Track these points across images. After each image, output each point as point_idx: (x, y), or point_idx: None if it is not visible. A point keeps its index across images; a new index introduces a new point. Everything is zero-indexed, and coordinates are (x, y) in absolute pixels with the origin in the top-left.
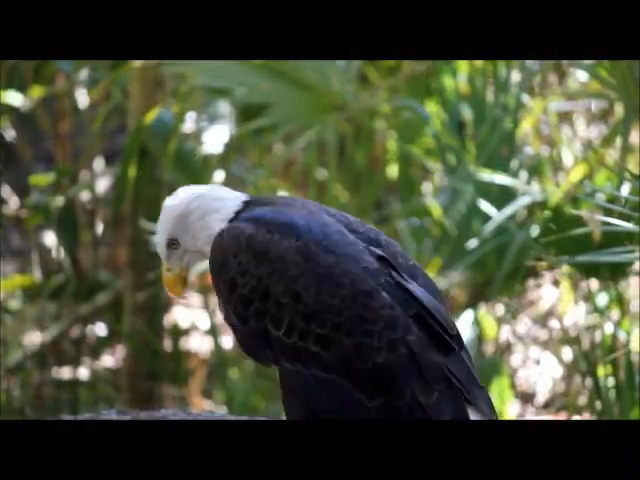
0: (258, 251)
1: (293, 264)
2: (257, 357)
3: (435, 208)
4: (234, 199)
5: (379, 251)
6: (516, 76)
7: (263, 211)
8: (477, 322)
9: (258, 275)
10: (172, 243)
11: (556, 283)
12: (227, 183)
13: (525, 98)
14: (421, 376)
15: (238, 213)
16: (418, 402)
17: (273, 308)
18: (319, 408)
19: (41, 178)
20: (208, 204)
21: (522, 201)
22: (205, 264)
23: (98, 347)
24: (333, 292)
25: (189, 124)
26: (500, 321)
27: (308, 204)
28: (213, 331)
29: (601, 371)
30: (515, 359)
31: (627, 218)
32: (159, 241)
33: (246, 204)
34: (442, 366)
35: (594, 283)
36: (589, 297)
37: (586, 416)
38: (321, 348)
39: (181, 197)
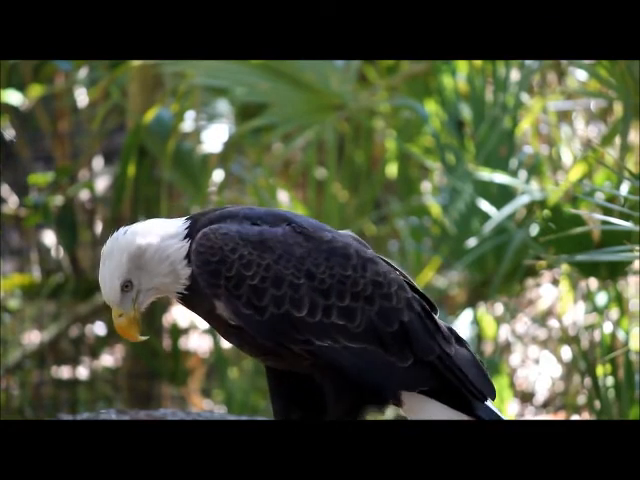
0: (255, 241)
1: (296, 245)
2: (283, 342)
3: (434, 207)
4: (176, 222)
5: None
6: (515, 75)
7: (229, 210)
8: (476, 321)
9: (265, 264)
10: (125, 286)
11: (555, 282)
12: (226, 182)
13: (524, 97)
14: (439, 330)
15: (191, 228)
16: (447, 354)
17: (290, 291)
18: (359, 378)
19: (40, 177)
20: (157, 236)
21: (521, 200)
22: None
23: (97, 346)
24: (343, 264)
25: (188, 123)
26: (499, 320)
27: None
28: (212, 330)
29: (600, 370)
30: (514, 358)
31: (626, 217)
32: (111, 287)
33: (193, 220)
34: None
35: (593, 282)
36: (588, 296)
37: (585, 415)
38: (347, 320)
39: (126, 238)
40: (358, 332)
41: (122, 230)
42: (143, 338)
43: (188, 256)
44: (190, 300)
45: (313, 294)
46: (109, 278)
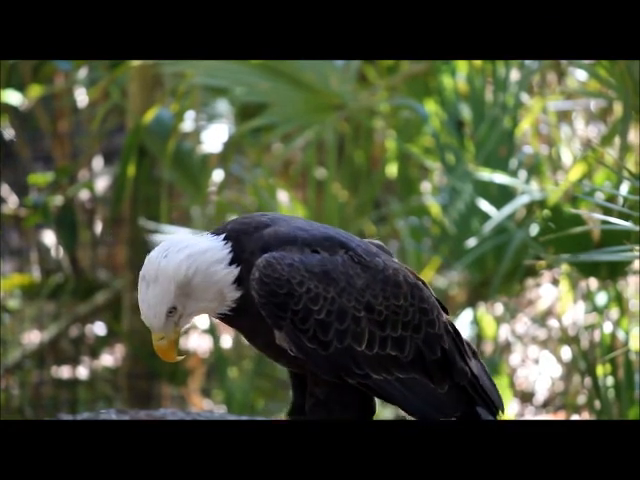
0: (319, 273)
1: (356, 276)
2: (344, 377)
3: (434, 207)
4: (215, 243)
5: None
6: (515, 75)
7: (284, 233)
8: (476, 321)
9: (330, 297)
10: (170, 312)
11: (555, 282)
12: (226, 183)
13: (524, 97)
14: (465, 350)
15: (236, 252)
16: (475, 376)
17: (352, 325)
18: (410, 409)
19: (40, 177)
20: (203, 260)
21: (521, 200)
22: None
23: (97, 346)
24: (396, 294)
25: (188, 123)
26: (499, 320)
27: (277, 215)
28: (212, 330)
29: (600, 370)
30: (514, 358)
31: (626, 217)
32: (157, 313)
33: (234, 240)
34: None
35: (593, 282)
36: (588, 296)
37: (585, 415)
38: (399, 351)
39: (172, 265)
40: (407, 362)
41: (161, 252)
42: (181, 358)
43: (237, 280)
44: (232, 319)
45: (372, 326)
46: (154, 304)
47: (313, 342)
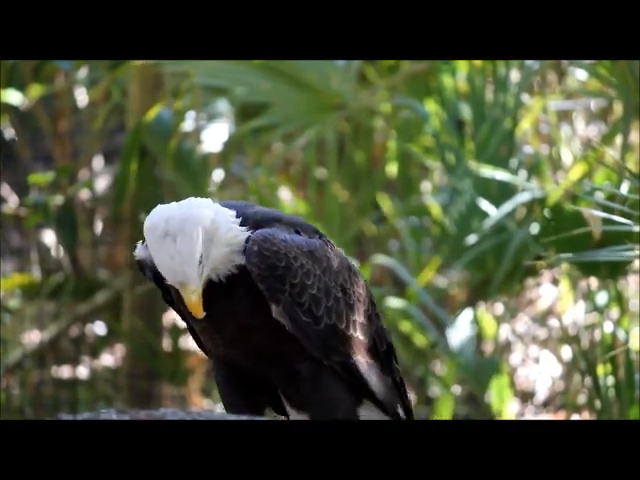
0: (307, 251)
1: (333, 259)
2: (331, 355)
3: (434, 207)
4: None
5: None
6: (515, 75)
7: (272, 212)
8: (476, 321)
9: (318, 274)
10: (200, 261)
11: (555, 282)
12: (226, 182)
13: (524, 97)
14: (394, 350)
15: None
16: (401, 376)
17: (335, 304)
18: (378, 394)
19: (40, 177)
20: (225, 214)
21: (522, 198)
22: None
23: (97, 346)
24: (357, 282)
25: (189, 123)
26: (499, 320)
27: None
28: None
29: (600, 370)
30: (514, 358)
31: (627, 216)
32: (191, 264)
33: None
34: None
35: (593, 282)
36: (588, 296)
37: (585, 415)
38: (364, 337)
39: (199, 211)
40: (368, 348)
41: (176, 207)
42: (204, 313)
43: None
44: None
45: (346, 308)
46: (188, 255)
47: (307, 316)
